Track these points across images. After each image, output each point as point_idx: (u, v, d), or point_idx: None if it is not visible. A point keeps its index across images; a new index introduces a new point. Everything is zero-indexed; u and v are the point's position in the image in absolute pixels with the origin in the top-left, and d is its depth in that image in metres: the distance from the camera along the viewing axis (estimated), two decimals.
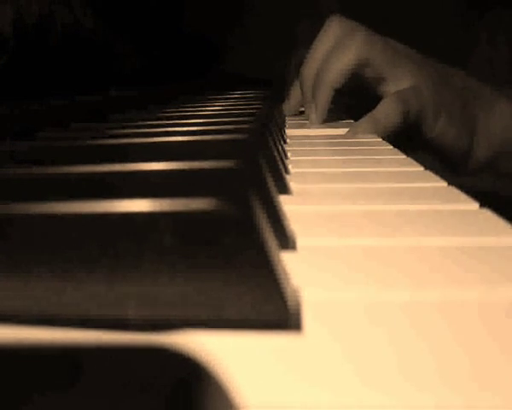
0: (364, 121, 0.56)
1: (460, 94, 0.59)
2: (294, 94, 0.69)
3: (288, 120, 0.70)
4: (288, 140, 0.52)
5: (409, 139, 0.58)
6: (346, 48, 0.57)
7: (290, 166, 0.37)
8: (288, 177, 0.33)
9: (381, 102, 0.56)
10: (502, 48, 0.90)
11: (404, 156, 0.42)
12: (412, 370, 0.13)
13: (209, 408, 0.10)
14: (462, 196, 0.28)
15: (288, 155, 0.43)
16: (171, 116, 0.51)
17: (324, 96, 0.59)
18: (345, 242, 0.22)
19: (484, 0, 0.89)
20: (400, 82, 0.57)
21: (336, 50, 0.58)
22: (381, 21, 0.64)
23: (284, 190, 0.30)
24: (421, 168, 0.36)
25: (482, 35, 0.90)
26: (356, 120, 0.58)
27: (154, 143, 0.32)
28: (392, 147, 0.47)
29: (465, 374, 0.13)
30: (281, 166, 0.32)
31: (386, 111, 0.55)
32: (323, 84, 0.58)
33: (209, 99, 0.74)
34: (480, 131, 0.59)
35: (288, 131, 0.59)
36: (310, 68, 0.62)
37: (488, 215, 0.25)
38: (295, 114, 0.73)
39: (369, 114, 0.56)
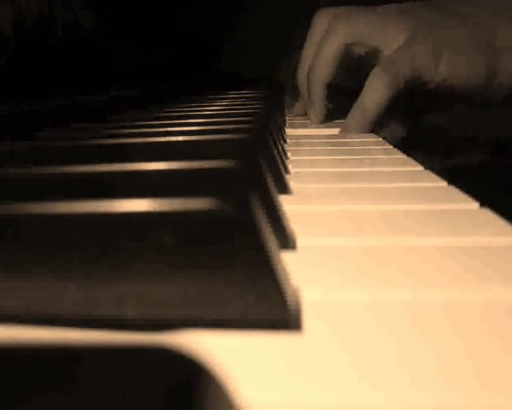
0: (353, 116, 0.55)
1: (466, 19, 0.53)
2: (302, 95, 0.68)
3: (289, 120, 0.70)
4: (288, 140, 0.52)
5: (411, 97, 0.56)
6: (328, 39, 0.56)
7: (290, 166, 0.37)
8: (288, 177, 0.33)
9: (366, 83, 0.54)
10: None
11: (404, 156, 0.42)
12: (413, 369, 0.13)
13: (209, 408, 0.10)
14: (462, 196, 0.28)
15: (288, 154, 0.43)
16: (171, 116, 0.51)
17: (317, 93, 0.59)
18: (345, 241, 0.22)
19: None
20: (393, 41, 0.54)
21: (320, 45, 0.58)
22: None
23: (284, 190, 0.30)
24: (421, 168, 0.36)
25: None
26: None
27: (154, 142, 0.32)
28: (392, 147, 0.47)
29: (466, 373, 0.13)
30: (281, 166, 0.32)
31: (373, 93, 0.53)
32: (313, 82, 0.59)
33: (209, 99, 0.74)
34: (502, 48, 0.52)
35: (288, 131, 0.59)
36: (302, 69, 0.62)
37: (488, 215, 0.25)
38: (296, 115, 0.74)
39: (356, 105, 0.55)
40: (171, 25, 0.98)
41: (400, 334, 0.15)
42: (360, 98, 0.55)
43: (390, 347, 0.14)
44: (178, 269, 0.15)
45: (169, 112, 0.56)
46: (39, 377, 0.11)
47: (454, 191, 0.30)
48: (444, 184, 0.31)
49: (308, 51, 0.61)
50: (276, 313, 0.15)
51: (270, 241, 0.16)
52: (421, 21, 0.55)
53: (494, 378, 0.13)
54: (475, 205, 0.26)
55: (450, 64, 0.54)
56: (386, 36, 0.55)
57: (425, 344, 0.14)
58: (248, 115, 0.46)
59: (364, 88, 0.54)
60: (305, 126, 0.62)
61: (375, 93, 0.53)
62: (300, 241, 0.22)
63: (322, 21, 0.60)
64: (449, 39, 0.54)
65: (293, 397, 0.12)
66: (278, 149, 0.37)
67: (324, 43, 0.57)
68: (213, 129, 0.38)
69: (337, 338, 0.14)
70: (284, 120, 0.67)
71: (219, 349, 0.14)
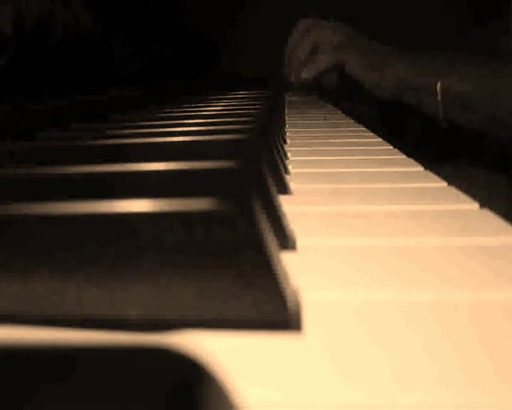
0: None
1: (375, 52, 0.88)
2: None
3: (288, 120, 0.70)
4: (288, 140, 0.52)
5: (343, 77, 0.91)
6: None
7: (290, 167, 0.37)
8: (288, 177, 0.33)
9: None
10: None
11: (404, 156, 0.42)
12: (411, 369, 0.13)
13: (209, 408, 0.10)
14: (462, 196, 0.28)
15: (288, 155, 0.43)
16: (172, 116, 0.51)
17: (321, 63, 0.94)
18: (345, 242, 0.22)
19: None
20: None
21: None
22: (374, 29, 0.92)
23: (284, 190, 0.30)
24: (421, 168, 0.36)
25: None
26: (357, 120, 0.70)
27: (155, 143, 0.32)
28: (392, 147, 0.47)
29: (459, 374, 0.13)
30: (281, 167, 0.32)
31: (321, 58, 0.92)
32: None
33: (209, 99, 0.74)
34: (386, 73, 0.85)
35: (289, 132, 0.59)
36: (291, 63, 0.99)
37: (488, 215, 0.25)
38: (296, 114, 0.74)
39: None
40: (171, 25, 0.98)
41: (399, 334, 0.15)
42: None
43: (389, 347, 0.14)
44: (178, 269, 0.15)
45: (169, 112, 0.56)
46: (39, 378, 0.11)
47: (454, 192, 0.30)
48: (444, 184, 0.31)
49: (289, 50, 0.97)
50: (276, 313, 0.15)
51: (270, 241, 0.16)
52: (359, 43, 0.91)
53: (489, 379, 0.13)
54: (475, 205, 0.26)
55: (360, 63, 0.88)
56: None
57: (424, 345, 0.14)
58: (248, 115, 0.46)
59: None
60: (305, 126, 0.63)
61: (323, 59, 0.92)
62: (300, 241, 0.22)
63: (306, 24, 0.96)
64: (365, 53, 0.88)
65: (293, 397, 0.12)
66: (278, 149, 0.37)
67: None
68: (213, 129, 0.38)
69: (337, 338, 0.14)
70: (284, 120, 0.67)
71: (219, 350, 0.14)
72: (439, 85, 0.77)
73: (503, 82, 0.73)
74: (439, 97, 0.78)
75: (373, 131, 0.58)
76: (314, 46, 0.93)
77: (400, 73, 0.83)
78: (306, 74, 0.93)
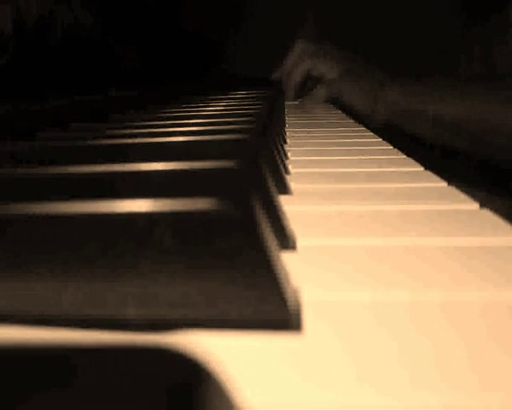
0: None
1: (367, 76, 0.92)
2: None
3: (288, 120, 0.70)
4: (288, 140, 0.52)
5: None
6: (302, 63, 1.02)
7: (290, 167, 0.37)
8: (288, 177, 0.33)
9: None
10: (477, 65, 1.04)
11: (404, 156, 0.42)
12: (413, 369, 0.13)
13: (209, 408, 0.10)
14: (462, 196, 0.28)
15: (288, 155, 0.43)
16: (172, 116, 0.51)
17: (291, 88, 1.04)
18: (345, 242, 0.22)
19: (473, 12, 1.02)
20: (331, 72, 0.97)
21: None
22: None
23: (284, 190, 0.30)
24: (421, 168, 0.36)
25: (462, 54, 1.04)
26: (356, 120, 0.72)
27: (155, 143, 0.32)
28: (392, 147, 0.47)
29: (466, 374, 0.13)
30: (281, 167, 0.32)
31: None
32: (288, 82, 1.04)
33: (209, 99, 0.74)
34: (380, 100, 0.88)
35: (289, 132, 0.59)
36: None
37: (488, 215, 0.25)
38: (296, 113, 0.74)
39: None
40: (171, 25, 0.98)
41: (400, 334, 0.15)
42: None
43: (390, 347, 0.14)
44: (178, 269, 0.15)
45: (169, 112, 0.56)
46: (39, 377, 0.11)
47: (454, 192, 0.30)
48: (444, 184, 0.31)
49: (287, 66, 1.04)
50: (277, 313, 0.15)
51: (270, 241, 0.16)
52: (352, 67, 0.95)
53: (493, 379, 0.13)
54: (475, 205, 0.26)
55: (350, 86, 0.93)
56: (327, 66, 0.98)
57: (425, 344, 0.14)
58: (248, 115, 0.46)
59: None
60: (303, 126, 0.63)
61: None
62: (300, 241, 0.22)
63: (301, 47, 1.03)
64: (360, 83, 0.92)
65: (294, 397, 0.12)
66: (278, 149, 0.37)
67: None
68: (213, 129, 0.38)
69: (337, 338, 0.14)
70: (284, 120, 0.67)
71: (219, 350, 0.14)
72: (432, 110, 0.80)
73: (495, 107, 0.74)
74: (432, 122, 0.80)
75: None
76: (309, 72, 1.00)
77: (394, 99, 0.85)
78: (302, 106, 0.97)
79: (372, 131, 0.59)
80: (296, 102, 1.02)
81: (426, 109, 0.81)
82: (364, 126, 0.70)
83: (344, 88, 0.93)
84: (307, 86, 1.04)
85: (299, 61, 1.01)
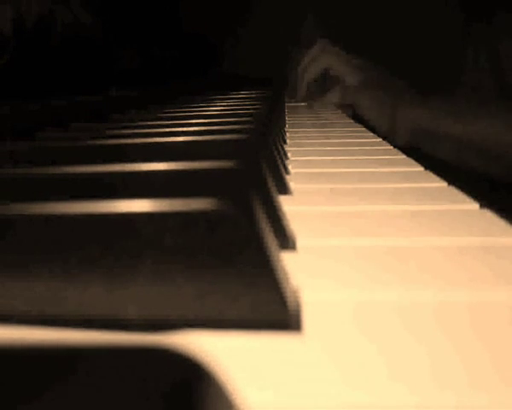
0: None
1: (387, 90, 0.85)
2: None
3: (288, 120, 0.70)
4: (288, 140, 0.52)
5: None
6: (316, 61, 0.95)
7: (290, 167, 0.37)
8: (288, 177, 0.33)
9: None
10: (485, 68, 1.01)
11: (404, 156, 0.42)
12: (411, 369, 0.13)
13: (209, 408, 0.10)
14: (462, 196, 0.28)
15: (288, 155, 0.43)
16: (172, 116, 0.51)
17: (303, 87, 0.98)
18: (345, 242, 0.22)
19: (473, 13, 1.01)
20: (350, 77, 0.89)
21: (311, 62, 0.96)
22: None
23: (284, 190, 0.30)
24: (421, 168, 0.36)
25: (468, 56, 1.02)
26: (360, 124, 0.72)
27: (155, 143, 0.32)
28: (392, 147, 0.47)
29: (459, 375, 0.13)
30: (281, 167, 0.32)
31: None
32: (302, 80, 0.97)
33: (209, 99, 0.74)
34: (399, 118, 0.82)
35: (289, 132, 0.59)
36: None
37: (488, 215, 0.25)
38: (295, 113, 0.74)
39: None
40: (171, 25, 0.98)
41: (399, 334, 0.15)
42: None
43: (389, 347, 0.14)
44: (178, 269, 0.15)
45: (169, 112, 0.56)
46: (39, 377, 0.11)
47: (454, 192, 0.30)
48: (444, 184, 0.31)
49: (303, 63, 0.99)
50: (276, 313, 0.15)
51: (270, 241, 0.16)
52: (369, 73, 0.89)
53: (489, 379, 0.13)
54: (475, 205, 0.26)
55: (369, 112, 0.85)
56: (346, 71, 0.90)
57: (421, 344, 0.14)
58: (248, 116, 0.46)
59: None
60: (302, 126, 0.63)
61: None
62: (300, 241, 0.22)
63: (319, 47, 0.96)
64: (378, 98, 0.86)
65: (293, 397, 0.12)
66: (278, 149, 0.37)
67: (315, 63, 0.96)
68: (214, 129, 0.38)
69: (337, 338, 0.14)
70: (284, 120, 0.67)
71: (219, 350, 0.14)
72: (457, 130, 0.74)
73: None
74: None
75: None
76: (326, 71, 0.94)
77: (415, 118, 0.79)
78: (311, 106, 0.95)
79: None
80: (304, 104, 0.99)
81: (454, 132, 0.74)
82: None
83: (361, 100, 0.86)
84: (321, 88, 0.99)
85: (318, 57, 0.96)
